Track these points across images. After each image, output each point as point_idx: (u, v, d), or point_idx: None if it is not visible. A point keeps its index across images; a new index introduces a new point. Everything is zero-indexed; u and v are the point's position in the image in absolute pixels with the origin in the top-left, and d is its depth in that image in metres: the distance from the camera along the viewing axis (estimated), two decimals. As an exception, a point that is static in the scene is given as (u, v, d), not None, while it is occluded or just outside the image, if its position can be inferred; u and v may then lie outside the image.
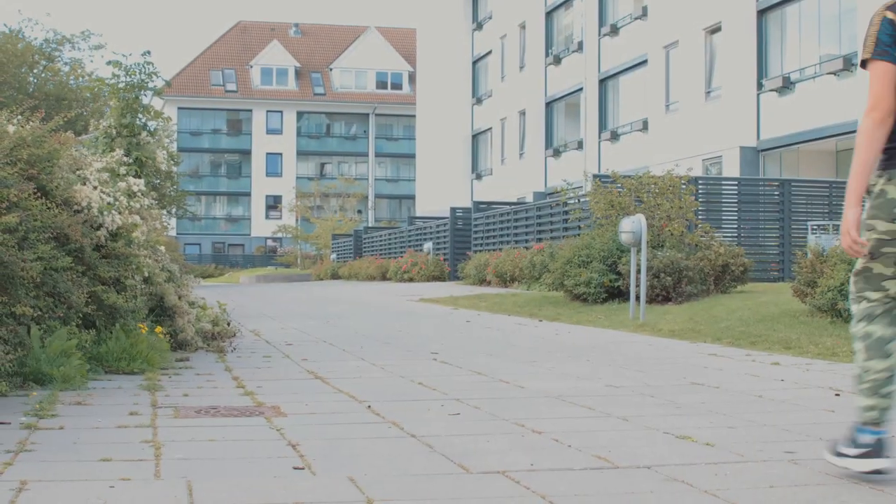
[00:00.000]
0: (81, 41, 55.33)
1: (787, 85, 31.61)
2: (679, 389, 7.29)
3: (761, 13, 33.20)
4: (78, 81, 53.71)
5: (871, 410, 4.19)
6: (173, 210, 44.58)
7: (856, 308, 4.30)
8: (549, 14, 49.47)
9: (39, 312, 7.34)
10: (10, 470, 4.41)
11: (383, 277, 40.13)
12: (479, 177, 58.54)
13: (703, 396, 6.89)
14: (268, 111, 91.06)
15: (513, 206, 35.07)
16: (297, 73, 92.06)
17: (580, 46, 45.32)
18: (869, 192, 4.20)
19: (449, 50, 60.56)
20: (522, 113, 51.76)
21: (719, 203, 24.66)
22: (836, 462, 4.32)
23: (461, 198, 56.84)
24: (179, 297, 10.31)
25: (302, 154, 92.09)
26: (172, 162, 31.06)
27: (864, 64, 4.19)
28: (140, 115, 18.41)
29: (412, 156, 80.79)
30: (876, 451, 4.17)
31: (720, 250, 17.49)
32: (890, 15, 4.12)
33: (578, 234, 21.68)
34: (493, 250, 31.74)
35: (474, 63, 59.97)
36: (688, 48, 36.72)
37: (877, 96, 4.06)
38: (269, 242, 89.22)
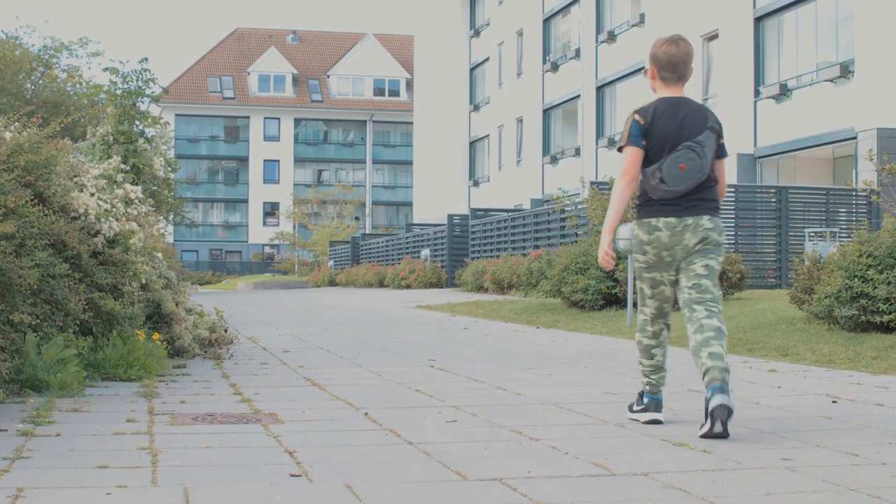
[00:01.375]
0: (79, 48, 55.38)
1: (784, 92, 31.65)
2: (676, 396, 7.29)
3: (758, 20, 33.25)
4: (75, 88, 53.72)
5: (648, 385, 6.20)
6: (170, 217, 44.58)
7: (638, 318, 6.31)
8: (546, 21, 49.52)
9: (37, 320, 7.34)
10: (7, 477, 4.41)
11: (381, 284, 40.13)
12: (476, 184, 58.57)
13: (700, 404, 6.89)
14: (265, 118, 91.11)
15: (510, 213, 35.08)
16: (295, 80, 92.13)
17: (577, 53, 45.37)
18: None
19: (446, 57, 60.61)
20: (520, 120, 51.80)
21: (716, 210, 24.64)
22: (630, 416, 6.25)
23: (458, 205, 56.86)
24: (177, 304, 10.31)
25: (299, 161, 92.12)
26: (170, 169, 31.07)
27: (620, 149, 6.02)
28: (137, 122, 18.41)
29: (409, 163, 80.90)
30: (651, 408, 6.14)
31: (717, 257, 17.49)
32: (637, 117, 5.95)
33: (576, 241, 21.68)
34: (491, 257, 31.76)
35: (472, 70, 60.03)
36: (685, 55, 36.73)
37: (627, 167, 5.95)
38: (267, 249, 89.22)
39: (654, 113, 5.93)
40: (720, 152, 6.03)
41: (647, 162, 5.95)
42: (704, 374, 5.62)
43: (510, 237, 32.12)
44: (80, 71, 55.08)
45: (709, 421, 5.49)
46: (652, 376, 6.18)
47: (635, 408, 6.23)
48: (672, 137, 5.88)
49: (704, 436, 5.49)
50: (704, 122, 5.92)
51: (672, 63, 5.96)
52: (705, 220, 5.90)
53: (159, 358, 8.82)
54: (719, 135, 5.98)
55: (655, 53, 6.03)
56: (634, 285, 15.50)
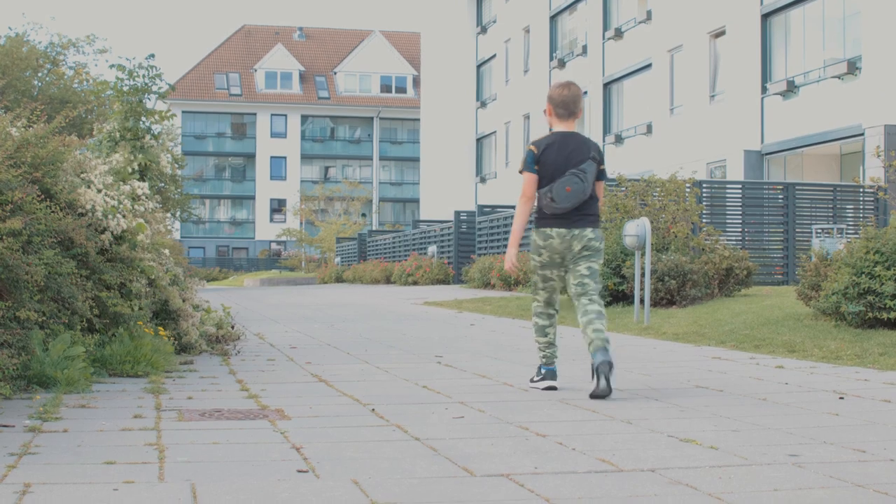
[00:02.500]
0: (86, 45, 55.37)
1: (791, 89, 31.60)
2: (683, 392, 7.28)
3: (765, 17, 33.19)
4: (82, 85, 53.75)
5: (544, 357, 7.50)
6: (178, 213, 44.61)
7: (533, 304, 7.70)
8: (553, 18, 49.48)
9: (44, 317, 7.34)
10: (14, 473, 4.42)
11: (387, 281, 40.13)
12: (483, 180, 58.55)
13: (707, 400, 6.89)
14: (272, 115, 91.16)
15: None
16: (302, 77, 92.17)
17: (584, 50, 45.34)
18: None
19: (453, 53, 60.59)
20: (527, 117, 51.78)
21: (723, 207, 24.64)
22: (530, 385, 7.58)
23: (465, 201, 56.83)
24: (184, 300, 10.32)
25: (306, 157, 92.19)
26: (177, 165, 31.07)
27: (521, 172, 7.39)
28: (143, 119, 18.40)
29: (416, 159, 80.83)
30: (548, 377, 7.47)
31: (724, 254, 17.47)
32: (532, 148, 7.33)
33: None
34: (498, 254, 31.73)
35: (479, 67, 60.01)
36: (692, 52, 36.72)
37: (525, 189, 7.36)
38: (274, 246, 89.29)
39: (546, 145, 7.30)
40: (600, 176, 7.37)
41: (541, 184, 7.30)
42: (590, 344, 6.99)
43: (517, 234, 32.02)
44: (86, 68, 55.11)
45: (595, 378, 6.88)
46: (546, 350, 7.50)
47: (535, 378, 7.59)
48: (561, 165, 7.24)
49: (593, 395, 6.89)
50: (588, 153, 7.29)
51: (565, 103, 7.34)
52: (588, 231, 7.30)
53: (166, 354, 8.82)
54: (600, 162, 7.35)
55: (551, 95, 7.39)
56: (641, 282, 15.57)
